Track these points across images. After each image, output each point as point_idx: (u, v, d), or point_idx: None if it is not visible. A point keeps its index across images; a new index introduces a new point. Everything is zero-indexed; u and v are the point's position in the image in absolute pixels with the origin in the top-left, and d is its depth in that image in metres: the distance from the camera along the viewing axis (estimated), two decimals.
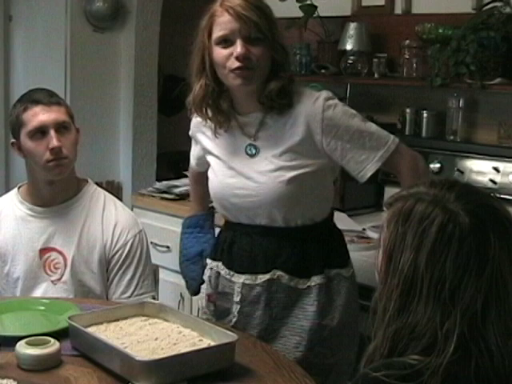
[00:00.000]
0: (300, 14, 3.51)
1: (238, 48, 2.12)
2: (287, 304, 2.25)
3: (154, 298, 2.59)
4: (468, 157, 3.33)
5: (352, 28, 3.64)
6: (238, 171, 2.26)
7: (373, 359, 1.44)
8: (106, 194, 2.71)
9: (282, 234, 2.24)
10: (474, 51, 3.01)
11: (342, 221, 2.64)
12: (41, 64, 4.58)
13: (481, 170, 3.28)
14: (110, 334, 2.00)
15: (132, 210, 3.71)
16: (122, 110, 4.81)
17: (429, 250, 1.38)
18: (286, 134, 2.20)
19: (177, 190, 3.98)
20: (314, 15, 3.56)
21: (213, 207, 2.53)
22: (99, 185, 2.78)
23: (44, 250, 2.57)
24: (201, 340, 1.96)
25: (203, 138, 2.40)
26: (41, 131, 2.49)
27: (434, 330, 1.36)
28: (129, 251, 2.60)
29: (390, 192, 3.34)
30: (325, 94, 2.20)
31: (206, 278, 2.41)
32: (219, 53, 2.17)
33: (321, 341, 2.25)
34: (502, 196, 3.09)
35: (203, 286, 2.44)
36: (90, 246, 2.57)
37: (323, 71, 3.72)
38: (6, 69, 4.58)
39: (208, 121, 2.31)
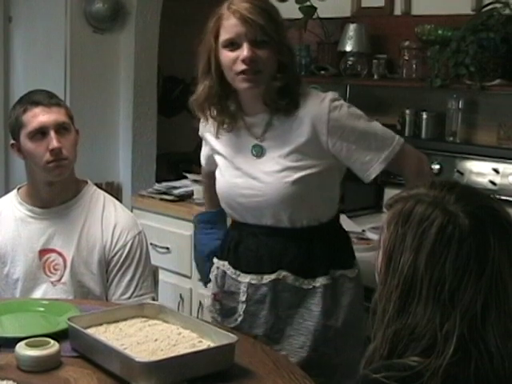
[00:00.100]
0: (300, 15, 3.51)
1: (245, 51, 2.14)
2: (292, 304, 2.27)
3: (153, 299, 2.59)
4: (468, 158, 3.33)
5: (351, 29, 3.64)
6: (245, 171, 2.27)
7: (372, 360, 1.44)
8: (106, 195, 2.71)
9: (287, 234, 2.26)
10: (474, 52, 3.01)
11: (341, 222, 2.65)
12: (40, 65, 4.58)
13: (480, 171, 3.28)
14: (109, 335, 2.00)
15: (132, 211, 3.71)
16: (121, 111, 4.81)
17: (428, 251, 1.38)
18: (293, 134, 2.21)
19: (176, 192, 3.98)
20: (314, 16, 3.57)
21: None
22: (99, 186, 2.78)
23: (43, 251, 2.57)
24: (200, 341, 1.96)
25: (211, 138, 2.41)
26: (41, 132, 2.49)
27: (434, 332, 1.36)
28: (128, 252, 2.60)
29: (389, 193, 3.34)
30: (331, 95, 2.22)
31: (212, 276, 2.43)
32: (226, 56, 2.18)
33: (326, 341, 2.26)
34: (501, 197, 3.09)
35: (209, 285, 2.45)
36: (89, 247, 2.57)
37: (323, 72, 3.72)
38: (6, 70, 4.58)
39: (210, 120, 2.32)
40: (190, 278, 3.80)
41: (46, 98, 2.55)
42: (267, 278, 2.27)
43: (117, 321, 2.09)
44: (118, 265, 2.59)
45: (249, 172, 2.26)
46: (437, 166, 3.38)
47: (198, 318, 3.49)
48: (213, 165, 2.45)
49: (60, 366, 1.92)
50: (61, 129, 2.52)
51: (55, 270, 2.56)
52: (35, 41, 4.59)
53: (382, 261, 1.46)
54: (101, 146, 4.71)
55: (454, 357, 1.34)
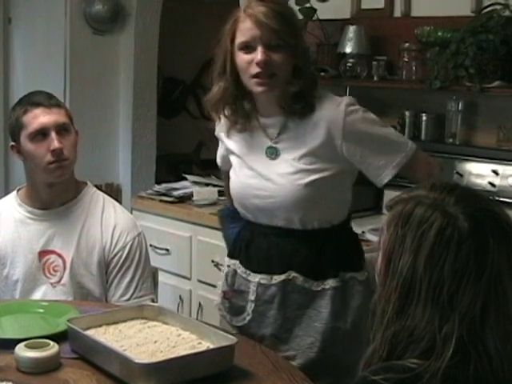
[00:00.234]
0: (300, 16, 3.51)
1: (259, 55, 2.16)
2: (301, 305, 2.28)
3: (153, 301, 2.59)
4: (467, 160, 3.33)
5: (351, 31, 3.64)
6: (258, 172, 2.29)
7: (371, 362, 1.44)
8: (105, 196, 2.71)
9: (298, 235, 2.27)
10: (473, 54, 3.01)
11: None
12: (40, 66, 4.58)
13: (480, 172, 3.28)
14: (109, 336, 2.00)
15: (131, 212, 3.72)
16: (121, 113, 4.81)
17: (427, 253, 1.38)
18: (307, 137, 2.23)
19: (176, 193, 3.98)
20: (314, 18, 3.57)
21: None
22: (98, 187, 2.78)
23: (43, 253, 2.57)
24: (200, 343, 1.96)
25: (226, 138, 2.42)
26: (42, 133, 2.49)
27: (433, 334, 1.36)
28: (128, 254, 2.60)
29: (389, 195, 3.34)
30: (347, 99, 2.24)
31: (223, 275, 2.45)
32: (241, 58, 2.20)
33: (334, 342, 2.26)
34: (500, 199, 3.09)
35: (219, 283, 2.47)
36: (89, 248, 2.57)
37: (322, 74, 3.72)
38: (6, 71, 4.58)
39: (223, 120, 2.34)
40: (189, 279, 3.80)
41: (46, 99, 2.55)
42: (277, 279, 2.27)
43: (116, 322, 2.09)
44: (118, 266, 2.59)
45: (262, 173, 2.28)
46: None
47: (197, 319, 3.49)
48: (228, 164, 2.46)
49: (59, 367, 1.92)
50: (61, 130, 2.52)
51: (55, 271, 2.56)
52: (35, 42, 4.59)
53: (382, 262, 1.46)
54: (100, 148, 4.71)
55: (453, 359, 1.34)
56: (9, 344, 1.96)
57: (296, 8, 3.47)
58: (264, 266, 2.30)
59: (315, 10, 3.52)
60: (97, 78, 4.68)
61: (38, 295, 2.55)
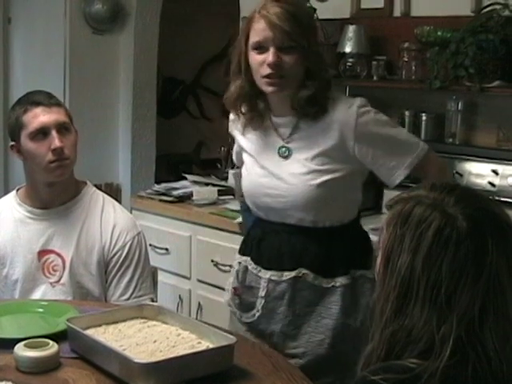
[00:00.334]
0: None
1: (270, 56, 2.18)
2: (311, 302, 2.29)
3: (152, 301, 2.59)
4: (467, 159, 3.33)
5: (351, 30, 3.64)
6: (270, 171, 2.31)
7: (370, 361, 1.44)
8: (105, 196, 2.71)
9: (309, 233, 2.29)
10: (473, 54, 3.01)
11: None
12: (40, 66, 4.58)
13: (480, 172, 3.28)
14: (108, 336, 2.00)
15: (131, 212, 3.71)
16: (120, 112, 4.81)
17: (425, 252, 1.38)
18: (320, 138, 2.25)
19: (175, 193, 3.98)
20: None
21: None
22: (98, 187, 2.78)
23: (43, 252, 2.57)
24: (199, 342, 1.96)
25: (239, 135, 2.45)
26: (42, 132, 2.49)
27: (431, 334, 1.36)
28: (127, 253, 2.59)
29: (389, 195, 3.33)
30: (359, 101, 2.26)
31: (234, 271, 2.46)
32: (254, 58, 2.23)
33: (344, 339, 2.27)
34: (500, 199, 3.09)
35: (230, 280, 2.48)
36: (88, 247, 2.57)
37: None
38: (6, 71, 4.58)
39: (241, 117, 2.36)
40: (189, 278, 3.80)
41: (46, 99, 2.55)
42: (287, 275, 2.29)
43: (116, 322, 2.09)
44: (117, 266, 2.59)
45: (274, 172, 2.30)
46: None
47: (196, 319, 3.49)
48: (241, 161, 2.49)
49: (59, 366, 1.92)
50: (62, 129, 2.52)
51: (54, 270, 2.56)
52: (34, 42, 4.59)
53: (381, 261, 1.46)
54: (100, 147, 4.71)
55: (451, 359, 1.33)
56: (8, 344, 1.96)
57: None
58: (275, 262, 2.32)
59: (315, 10, 3.51)
60: (96, 77, 4.68)
61: (37, 295, 2.55)
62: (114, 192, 4.54)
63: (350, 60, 3.63)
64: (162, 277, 3.16)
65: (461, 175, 3.33)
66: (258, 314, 2.35)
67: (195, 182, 4.20)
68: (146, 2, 4.76)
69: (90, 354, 1.94)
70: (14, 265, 2.58)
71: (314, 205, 2.25)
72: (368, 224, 3.28)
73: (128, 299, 2.58)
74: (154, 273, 2.77)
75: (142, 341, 1.97)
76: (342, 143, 2.23)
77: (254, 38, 2.22)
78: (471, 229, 1.38)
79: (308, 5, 3.49)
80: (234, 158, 2.61)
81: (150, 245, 3.55)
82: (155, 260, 3.15)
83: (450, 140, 3.46)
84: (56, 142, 2.48)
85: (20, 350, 1.91)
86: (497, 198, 3.09)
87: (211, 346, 1.93)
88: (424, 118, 3.54)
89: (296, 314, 2.30)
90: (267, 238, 2.35)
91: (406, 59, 3.47)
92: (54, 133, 2.49)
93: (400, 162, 2.24)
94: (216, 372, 1.86)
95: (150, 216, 3.95)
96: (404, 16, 3.53)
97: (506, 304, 1.37)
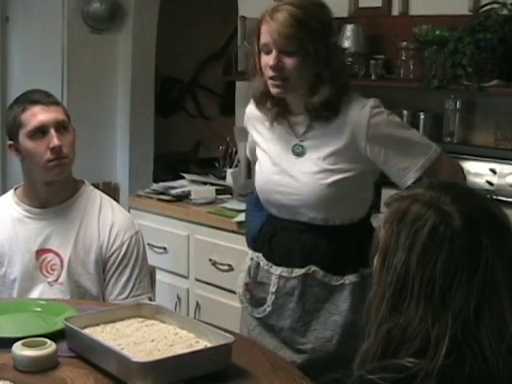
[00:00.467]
0: None
1: (271, 60, 2.22)
2: (320, 299, 2.32)
3: (150, 300, 2.59)
4: (465, 158, 3.32)
5: (349, 29, 3.64)
6: (283, 169, 2.33)
7: (366, 358, 1.44)
8: (103, 195, 2.71)
9: (319, 231, 2.31)
10: (471, 53, 3.01)
11: None
12: (38, 65, 4.58)
13: (478, 171, 3.28)
14: (106, 335, 2.00)
15: (129, 211, 3.71)
16: (118, 111, 4.81)
17: (420, 250, 1.39)
18: (332, 138, 2.27)
19: (173, 192, 3.98)
20: None
21: None
22: (96, 186, 2.78)
23: (40, 252, 2.57)
24: (197, 341, 1.96)
25: (253, 131, 2.48)
26: (41, 131, 2.49)
27: (426, 332, 1.36)
28: (125, 252, 2.59)
29: (386, 193, 3.34)
30: (372, 101, 2.28)
31: (246, 267, 2.48)
32: (262, 59, 2.27)
33: (352, 336, 2.28)
34: (498, 198, 3.09)
35: (242, 275, 2.50)
36: (86, 247, 2.57)
37: None
38: (3, 70, 4.58)
39: (268, 113, 2.39)
40: (187, 278, 3.80)
41: (45, 97, 2.55)
42: (297, 272, 2.32)
43: (114, 321, 2.09)
44: (115, 265, 2.59)
45: (287, 170, 2.33)
46: None
47: (195, 318, 3.49)
48: (255, 156, 2.51)
49: (57, 366, 1.92)
50: (60, 127, 2.52)
51: (52, 270, 2.56)
52: (32, 41, 4.59)
53: (378, 259, 1.47)
54: (98, 146, 4.71)
55: (448, 358, 1.34)
56: (6, 343, 1.96)
57: None
58: (285, 259, 2.34)
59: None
60: (94, 76, 4.68)
61: (35, 294, 2.55)
62: (111, 191, 4.54)
63: (348, 59, 3.62)
64: (159, 276, 3.16)
65: None
66: (268, 310, 2.38)
67: (193, 181, 4.19)
68: (144, 1, 4.76)
69: (87, 353, 1.94)
70: (12, 264, 2.58)
71: (324, 203, 2.28)
72: None
73: (126, 298, 2.57)
74: (151, 272, 2.77)
75: (140, 340, 1.97)
76: (354, 143, 2.25)
77: (262, 39, 2.25)
78: (466, 227, 1.38)
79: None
80: (247, 152, 2.64)
81: (148, 244, 3.55)
82: (153, 259, 3.15)
83: (448, 139, 3.46)
84: (54, 140, 2.48)
85: (18, 349, 1.91)
86: (495, 197, 3.10)
87: (209, 345, 1.93)
88: (422, 117, 3.54)
89: (305, 311, 2.33)
90: (278, 235, 2.38)
91: (404, 58, 3.46)
92: (52, 131, 2.49)
93: (412, 164, 2.26)
94: (214, 371, 1.86)
95: (147, 215, 3.95)
96: (402, 15, 3.53)
97: (501, 302, 1.38)
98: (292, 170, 2.31)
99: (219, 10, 5.83)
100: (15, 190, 2.68)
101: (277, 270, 2.35)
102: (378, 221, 1.54)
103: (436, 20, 3.32)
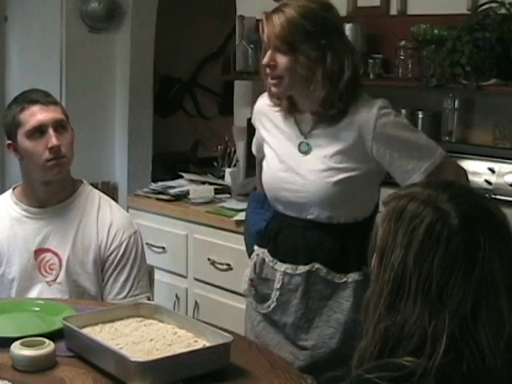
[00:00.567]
0: None
1: (265, 58, 2.25)
2: (323, 296, 2.33)
3: (149, 299, 2.59)
4: (463, 157, 3.32)
5: (347, 29, 3.62)
6: (289, 166, 2.35)
7: (364, 356, 1.44)
8: (101, 194, 2.71)
9: (324, 229, 2.33)
10: (470, 52, 3.01)
11: None
12: (36, 65, 4.58)
13: (476, 170, 3.28)
14: (105, 334, 2.00)
15: (127, 210, 3.71)
16: (117, 111, 4.81)
17: (417, 248, 1.39)
18: (339, 136, 2.28)
19: (172, 191, 3.98)
20: None
21: None
22: (94, 186, 2.78)
23: (39, 251, 2.56)
24: (196, 341, 1.96)
25: (261, 127, 2.49)
26: (39, 130, 2.49)
27: (424, 330, 1.36)
28: (124, 252, 2.59)
29: (385, 192, 3.34)
30: (380, 102, 2.29)
31: (251, 263, 2.49)
32: (262, 56, 2.30)
33: (354, 335, 2.28)
34: (497, 197, 3.09)
35: (247, 270, 2.52)
36: (84, 246, 2.57)
37: None
38: (2, 70, 4.58)
39: (261, 109, 2.44)
40: (185, 277, 3.80)
41: (43, 97, 2.55)
42: (301, 269, 2.33)
43: (112, 320, 2.09)
44: (114, 264, 2.58)
45: (293, 167, 2.34)
46: None
47: (193, 317, 3.49)
48: (261, 152, 2.52)
49: (55, 365, 1.92)
50: (59, 127, 2.52)
51: (51, 269, 2.56)
52: (31, 40, 4.59)
53: (376, 257, 1.47)
54: (97, 146, 4.71)
55: (446, 357, 1.34)
56: (4, 342, 1.96)
57: None
58: (290, 256, 2.36)
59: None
60: (93, 76, 4.68)
61: (33, 293, 2.55)
62: (110, 191, 4.53)
63: None
64: (158, 275, 3.16)
65: None
66: (272, 306, 2.39)
67: (192, 181, 4.19)
68: (143, 1, 4.76)
69: (86, 353, 1.94)
70: (11, 264, 2.57)
71: (330, 202, 2.29)
72: None
73: (124, 298, 2.57)
74: (150, 271, 2.77)
75: (139, 339, 1.97)
76: (361, 143, 2.26)
77: (263, 38, 2.29)
78: (463, 225, 1.39)
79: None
80: (253, 149, 2.64)
81: (147, 243, 3.55)
82: (152, 259, 3.15)
83: (447, 138, 3.45)
84: (53, 140, 2.48)
85: (16, 348, 1.91)
86: (493, 196, 3.10)
87: (208, 344, 1.93)
88: (420, 116, 3.54)
89: (309, 308, 2.34)
90: (284, 232, 2.39)
91: (403, 57, 3.46)
92: (50, 131, 2.49)
93: (416, 167, 2.26)
94: (213, 370, 1.86)
95: (146, 215, 3.95)
96: (400, 14, 3.53)
97: (499, 301, 1.38)
98: (298, 168, 2.33)
99: (217, 10, 5.83)
100: (13, 189, 2.68)
101: (281, 267, 2.37)
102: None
103: (434, 19, 3.32)
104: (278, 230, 2.41)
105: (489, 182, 3.22)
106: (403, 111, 3.59)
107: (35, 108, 2.51)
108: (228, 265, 3.54)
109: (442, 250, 1.38)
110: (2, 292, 2.58)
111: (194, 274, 3.76)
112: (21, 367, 1.89)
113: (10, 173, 4.43)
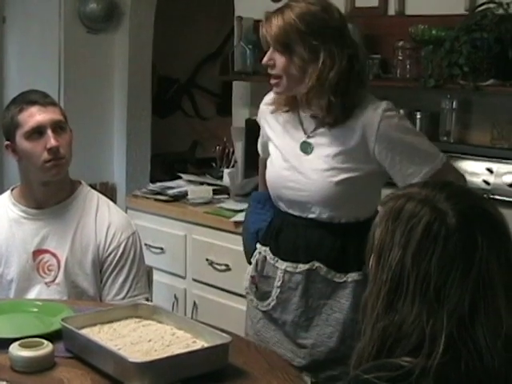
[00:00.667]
0: None
1: (265, 57, 2.29)
2: (323, 295, 2.34)
3: (147, 300, 2.59)
4: (461, 158, 3.33)
5: None
6: (292, 165, 2.36)
7: (362, 356, 1.45)
8: (100, 195, 2.71)
9: (325, 228, 2.34)
10: (467, 52, 3.01)
11: None
12: (35, 65, 4.58)
13: (474, 170, 3.28)
14: (103, 335, 2.00)
15: (126, 211, 3.71)
16: (115, 112, 4.81)
17: (415, 247, 1.39)
18: (343, 137, 2.29)
19: (171, 192, 3.98)
20: None
21: None
22: (93, 186, 2.78)
23: (37, 252, 2.56)
24: (194, 341, 1.96)
25: (266, 126, 2.51)
26: (38, 131, 2.49)
27: (421, 330, 1.37)
28: (122, 253, 2.59)
29: (383, 193, 3.34)
30: (385, 104, 2.30)
31: (253, 260, 2.51)
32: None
33: (353, 334, 2.30)
34: (495, 197, 3.10)
35: (249, 268, 2.53)
36: (83, 247, 2.57)
37: None
38: (0, 71, 4.58)
39: (267, 107, 2.46)
40: (184, 278, 3.80)
41: (42, 98, 2.55)
42: (302, 267, 2.35)
43: (111, 321, 2.09)
44: (112, 265, 2.58)
45: (296, 166, 2.35)
46: None
47: (192, 318, 3.49)
48: (266, 151, 2.54)
49: (54, 366, 1.92)
50: (57, 128, 2.52)
51: (49, 270, 2.56)
52: (29, 41, 4.59)
53: (373, 257, 1.47)
54: (95, 147, 4.71)
55: (444, 356, 1.34)
56: (3, 343, 1.96)
57: None
58: (291, 254, 2.37)
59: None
60: (91, 77, 4.68)
61: (32, 294, 2.55)
62: (108, 191, 4.54)
63: None
64: (157, 276, 3.15)
65: None
66: (273, 303, 2.41)
67: (190, 181, 4.19)
68: (141, 1, 4.76)
69: (84, 354, 1.94)
70: (9, 264, 2.57)
71: (331, 201, 2.30)
72: None
73: (123, 299, 2.57)
74: (149, 272, 2.77)
75: (137, 340, 1.97)
76: (364, 144, 2.27)
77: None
78: (461, 224, 1.39)
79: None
80: (258, 147, 2.65)
81: (145, 244, 3.55)
82: (150, 259, 3.15)
83: (445, 138, 3.46)
84: (52, 141, 2.48)
85: (15, 349, 1.91)
86: (491, 196, 3.10)
87: (206, 345, 1.93)
88: (418, 116, 3.54)
89: (308, 306, 2.35)
90: (285, 230, 2.41)
91: (401, 58, 3.47)
92: (49, 132, 2.49)
93: (417, 171, 2.27)
94: (211, 371, 1.87)
95: (145, 215, 3.95)
96: (398, 15, 3.53)
97: (496, 300, 1.38)
98: (301, 167, 2.34)
99: (216, 10, 5.83)
100: (12, 190, 2.67)
101: (282, 265, 2.38)
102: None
103: (432, 20, 3.32)
104: (279, 228, 2.43)
105: (487, 182, 3.22)
106: (401, 111, 3.59)
107: (34, 109, 2.51)
108: (226, 265, 3.54)
109: (439, 250, 1.38)
110: (0, 293, 2.58)
111: (193, 275, 3.76)
112: (19, 368, 1.89)
113: (8, 174, 4.43)
